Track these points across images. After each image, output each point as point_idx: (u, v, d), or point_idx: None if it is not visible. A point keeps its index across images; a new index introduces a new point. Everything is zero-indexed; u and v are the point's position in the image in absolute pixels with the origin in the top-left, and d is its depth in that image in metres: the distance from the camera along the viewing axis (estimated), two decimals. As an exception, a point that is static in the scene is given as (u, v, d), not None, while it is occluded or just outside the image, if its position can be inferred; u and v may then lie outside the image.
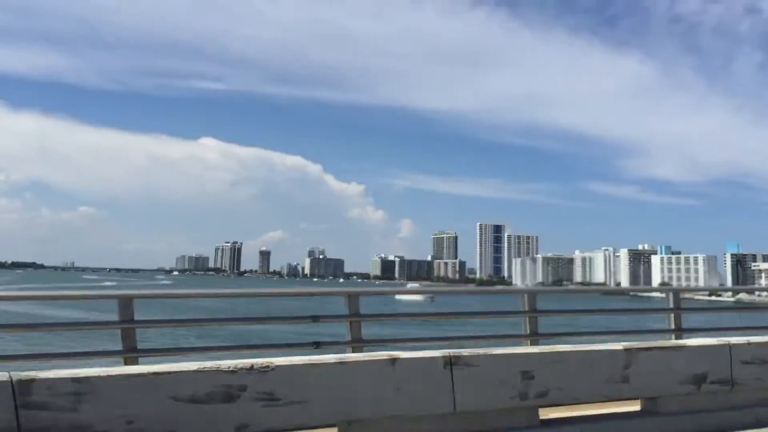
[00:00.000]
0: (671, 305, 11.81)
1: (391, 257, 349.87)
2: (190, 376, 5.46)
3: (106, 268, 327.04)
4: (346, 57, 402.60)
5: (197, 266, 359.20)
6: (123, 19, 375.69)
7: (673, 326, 11.65)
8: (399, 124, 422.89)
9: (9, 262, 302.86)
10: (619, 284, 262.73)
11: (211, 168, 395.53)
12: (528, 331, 10.57)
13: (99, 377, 5.19)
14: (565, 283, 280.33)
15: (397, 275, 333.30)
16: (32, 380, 4.96)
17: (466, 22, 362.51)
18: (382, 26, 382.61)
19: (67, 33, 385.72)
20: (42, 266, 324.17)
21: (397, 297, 61.96)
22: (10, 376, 4.92)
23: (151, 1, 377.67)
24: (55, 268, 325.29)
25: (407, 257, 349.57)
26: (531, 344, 10.21)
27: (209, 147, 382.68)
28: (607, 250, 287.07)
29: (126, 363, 7.64)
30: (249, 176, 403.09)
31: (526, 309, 10.68)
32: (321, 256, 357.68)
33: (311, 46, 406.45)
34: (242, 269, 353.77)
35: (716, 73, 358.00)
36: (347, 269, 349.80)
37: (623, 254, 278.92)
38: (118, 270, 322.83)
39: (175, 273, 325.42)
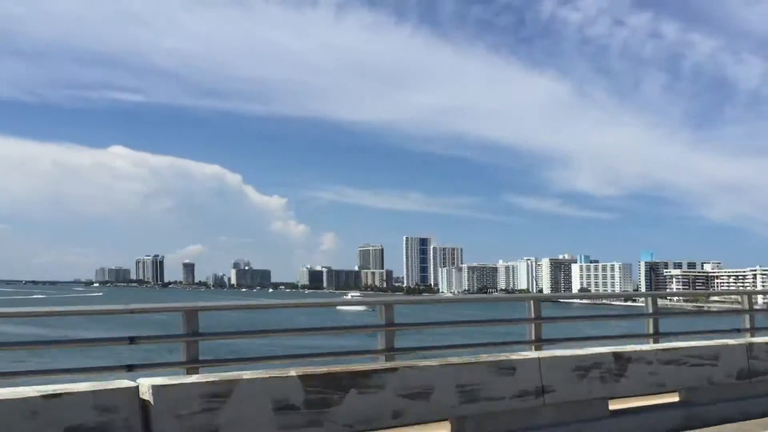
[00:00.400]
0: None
1: (318, 267, 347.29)
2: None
3: (21, 281, 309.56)
4: (269, 70, 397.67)
5: (118, 278, 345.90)
6: (40, 30, 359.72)
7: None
8: (322, 137, 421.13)
9: None
10: (541, 291, 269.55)
11: (121, 177, 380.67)
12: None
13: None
14: (490, 290, 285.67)
15: (325, 285, 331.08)
16: (752, 344, 9.23)
17: (389, 38, 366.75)
18: (305, 41, 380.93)
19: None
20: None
21: (339, 308, 61.85)
22: (747, 341, 9.31)
23: (70, 12, 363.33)
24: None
25: (334, 267, 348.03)
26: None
27: (119, 155, 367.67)
28: (529, 259, 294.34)
29: None
30: (163, 186, 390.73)
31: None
32: (246, 267, 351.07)
33: (233, 59, 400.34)
34: (167, 280, 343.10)
35: (626, 93, 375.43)
36: (273, 280, 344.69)
37: (545, 263, 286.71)
38: (34, 283, 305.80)
39: (95, 285, 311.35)
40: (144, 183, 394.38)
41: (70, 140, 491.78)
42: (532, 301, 11.53)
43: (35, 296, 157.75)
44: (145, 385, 5.17)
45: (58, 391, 4.71)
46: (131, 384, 5.13)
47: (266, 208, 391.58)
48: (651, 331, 12.07)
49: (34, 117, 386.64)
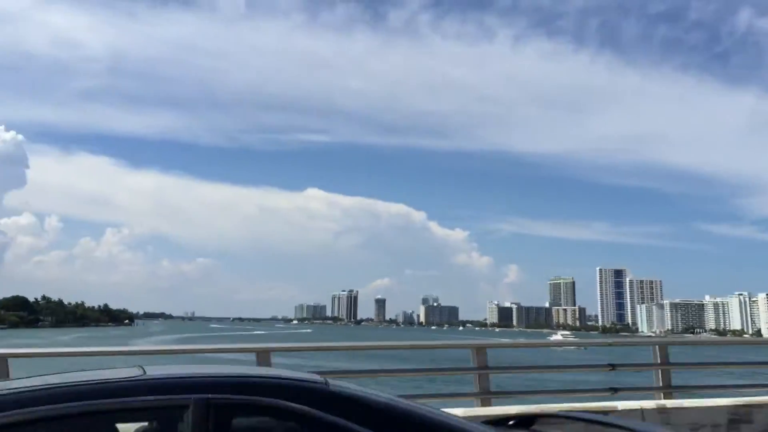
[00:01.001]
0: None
1: (507, 304, 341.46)
2: None
3: (229, 318, 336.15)
4: (448, 104, 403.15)
5: (315, 315, 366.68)
6: (235, 80, 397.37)
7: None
8: (501, 169, 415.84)
9: (141, 312, 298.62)
10: (758, 332, 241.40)
11: (316, 218, 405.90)
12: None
13: None
14: (697, 330, 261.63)
15: (515, 322, 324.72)
16: None
17: (569, 65, 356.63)
18: (483, 72, 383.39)
19: (184, 95, 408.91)
20: (170, 316, 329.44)
21: (553, 348, 66.93)
22: None
23: (261, 61, 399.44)
24: (183, 318, 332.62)
25: (523, 304, 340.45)
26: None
27: (314, 197, 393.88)
28: (741, 294, 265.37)
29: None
30: (353, 225, 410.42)
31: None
32: (435, 304, 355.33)
33: (413, 96, 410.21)
34: (359, 318, 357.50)
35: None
36: (461, 316, 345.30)
37: (761, 299, 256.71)
38: (240, 319, 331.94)
39: (294, 322, 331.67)
40: (337, 222, 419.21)
41: (268, 184, 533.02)
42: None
43: (256, 332, 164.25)
44: None
45: None
46: None
47: (448, 241, 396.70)
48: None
49: (232, 161, 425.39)
